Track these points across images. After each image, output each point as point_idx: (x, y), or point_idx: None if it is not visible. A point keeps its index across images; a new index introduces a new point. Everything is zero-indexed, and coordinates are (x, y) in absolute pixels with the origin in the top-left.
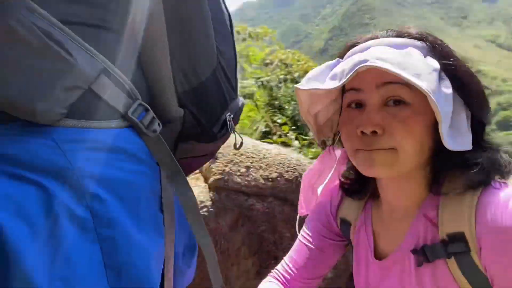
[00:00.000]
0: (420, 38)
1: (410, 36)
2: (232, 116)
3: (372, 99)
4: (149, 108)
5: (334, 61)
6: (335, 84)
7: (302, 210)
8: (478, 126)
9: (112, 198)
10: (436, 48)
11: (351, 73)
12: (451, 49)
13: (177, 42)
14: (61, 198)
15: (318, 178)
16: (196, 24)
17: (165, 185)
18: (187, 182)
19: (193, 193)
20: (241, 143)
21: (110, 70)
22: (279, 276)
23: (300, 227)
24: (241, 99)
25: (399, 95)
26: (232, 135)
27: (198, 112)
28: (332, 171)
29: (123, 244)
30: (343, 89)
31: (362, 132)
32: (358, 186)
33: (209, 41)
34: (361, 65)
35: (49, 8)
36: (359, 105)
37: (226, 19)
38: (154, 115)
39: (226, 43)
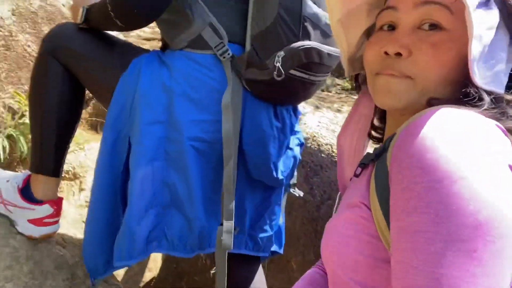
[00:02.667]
0: None
1: None
2: (284, 54)
3: (405, 19)
4: (225, 44)
5: None
6: None
7: (342, 186)
8: None
9: (184, 81)
10: None
11: None
12: None
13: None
14: (164, 77)
15: (358, 132)
16: None
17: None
18: (240, 88)
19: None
20: (280, 73)
21: (214, 23)
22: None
23: None
24: (305, 42)
25: (436, 18)
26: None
27: (259, 48)
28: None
29: (178, 101)
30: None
31: (386, 53)
32: (380, 126)
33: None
34: None
35: None
36: (392, 27)
37: None
38: (227, 48)
39: (292, 0)
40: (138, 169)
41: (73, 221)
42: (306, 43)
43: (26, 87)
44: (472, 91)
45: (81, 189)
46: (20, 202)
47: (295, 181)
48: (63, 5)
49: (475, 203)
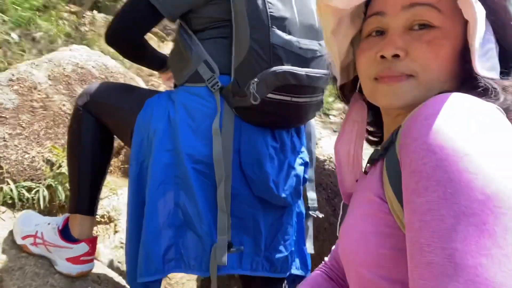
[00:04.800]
0: None
1: None
2: (257, 80)
3: (395, 23)
4: (216, 77)
5: None
6: None
7: (345, 194)
8: (506, 59)
9: (184, 111)
10: None
11: None
12: None
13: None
14: (170, 110)
15: (354, 139)
16: (238, 25)
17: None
18: (231, 116)
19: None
20: (255, 98)
21: (208, 59)
22: (326, 265)
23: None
24: (277, 67)
25: (426, 18)
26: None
27: (238, 78)
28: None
29: (180, 130)
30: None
31: (382, 57)
32: (375, 130)
33: (246, 34)
34: None
35: (197, 33)
36: (380, 33)
37: (263, 18)
38: (217, 81)
39: (261, 32)
40: (150, 192)
41: (108, 262)
42: (278, 68)
43: (63, 141)
44: (481, 83)
45: (115, 231)
46: (60, 242)
47: (316, 205)
48: (93, 67)
49: (482, 177)
